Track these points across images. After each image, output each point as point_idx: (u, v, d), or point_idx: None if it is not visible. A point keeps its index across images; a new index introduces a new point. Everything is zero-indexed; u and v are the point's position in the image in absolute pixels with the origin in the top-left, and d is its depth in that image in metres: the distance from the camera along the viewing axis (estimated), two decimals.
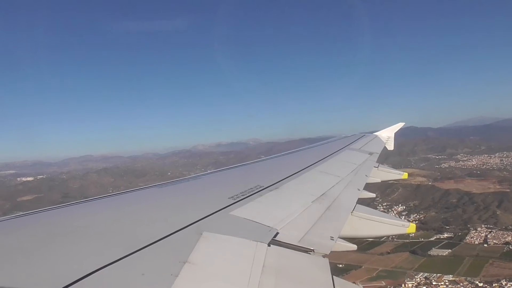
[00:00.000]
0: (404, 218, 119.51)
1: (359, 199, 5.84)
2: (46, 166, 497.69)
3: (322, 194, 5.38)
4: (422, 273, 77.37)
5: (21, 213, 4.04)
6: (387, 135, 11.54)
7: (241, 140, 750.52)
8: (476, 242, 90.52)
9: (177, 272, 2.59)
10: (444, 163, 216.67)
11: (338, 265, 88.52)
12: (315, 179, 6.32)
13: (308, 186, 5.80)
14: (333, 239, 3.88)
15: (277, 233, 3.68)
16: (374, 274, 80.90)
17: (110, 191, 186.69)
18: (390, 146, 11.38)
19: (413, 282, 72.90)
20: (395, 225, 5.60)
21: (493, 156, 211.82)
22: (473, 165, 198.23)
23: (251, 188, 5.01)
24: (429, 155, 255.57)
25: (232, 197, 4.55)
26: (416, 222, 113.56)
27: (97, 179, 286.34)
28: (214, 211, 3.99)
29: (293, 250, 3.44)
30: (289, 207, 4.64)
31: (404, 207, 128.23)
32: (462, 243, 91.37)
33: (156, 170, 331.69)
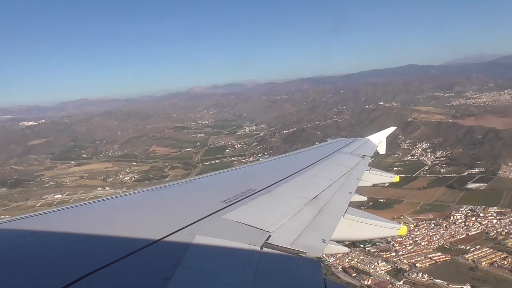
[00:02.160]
0: (430, 154, 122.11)
1: (350, 202, 5.93)
2: (43, 111, 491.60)
3: (314, 197, 5.39)
4: (465, 206, 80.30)
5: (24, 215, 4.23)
6: (379, 139, 11.66)
7: (237, 82, 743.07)
8: (510, 176, 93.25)
9: (170, 276, 2.60)
10: (454, 100, 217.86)
11: (379, 200, 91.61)
12: (307, 182, 6.37)
13: (300, 189, 5.83)
14: (325, 242, 3.91)
15: (270, 236, 3.71)
16: (418, 208, 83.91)
17: (119, 134, 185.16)
18: (382, 150, 11.50)
19: (460, 214, 75.78)
20: (387, 227, 5.63)
21: (502, 93, 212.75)
22: (484, 102, 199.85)
23: (244, 192, 5.02)
24: (437, 93, 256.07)
25: (224, 200, 4.58)
26: (444, 158, 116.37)
27: (101, 122, 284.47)
28: (207, 215, 4.01)
29: (286, 253, 3.49)
30: (282, 210, 4.67)
31: (428, 144, 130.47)
32: (496, 177, 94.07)
33: (159, 112, 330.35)
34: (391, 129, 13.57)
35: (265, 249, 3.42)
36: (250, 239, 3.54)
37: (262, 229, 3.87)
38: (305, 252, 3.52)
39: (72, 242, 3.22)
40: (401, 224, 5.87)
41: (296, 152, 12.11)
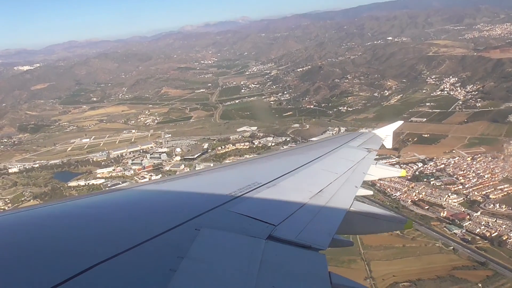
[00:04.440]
0: (460, 89, 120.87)
1: (356, 196, 5.91)
2: (32, 54, 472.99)
3: (320, 191, 5.39)
4: None
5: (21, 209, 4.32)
6: (386, 133, 11.32)
7: (229, 19, 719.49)
8: None
9: (176, 267, 2.66)
10: (467, 34, 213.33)
11: (423, 135, 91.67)
12: (313, 176, 6.38)
13: (305, 183, 5.85)
14: (330, 235, 3.94)
15: (275, 229, 3.73)
16: (466, 142, 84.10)
17: (123, 76, 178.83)
18: (388, 144, 11.07)
19: None
20: (392, 221, 5.65)
21: None
22: (499, 34, 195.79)
23: (249, 185, 5.02)
24: (446, 26, 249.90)
25: (230, 193, 4.59)
26: (476, 92, 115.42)
27: (100, 64, 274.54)
28: (212, 207, 4.04)
29: (291, 246, 3.52)
30: (287, 203, 4.70)
31: (455, 78, 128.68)
32: None
33: (158, 53, 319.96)
34: (398, 123, 13.08)
35: (270, 242, 3.43)
36: (255, 232, 3.57)
37: (267, 222, 3.86)
38: (310, 245, 3.52)
39: (81, 234, 3.23)
40: (407, 218, 5.93)
41: (302, 145, 12.28)
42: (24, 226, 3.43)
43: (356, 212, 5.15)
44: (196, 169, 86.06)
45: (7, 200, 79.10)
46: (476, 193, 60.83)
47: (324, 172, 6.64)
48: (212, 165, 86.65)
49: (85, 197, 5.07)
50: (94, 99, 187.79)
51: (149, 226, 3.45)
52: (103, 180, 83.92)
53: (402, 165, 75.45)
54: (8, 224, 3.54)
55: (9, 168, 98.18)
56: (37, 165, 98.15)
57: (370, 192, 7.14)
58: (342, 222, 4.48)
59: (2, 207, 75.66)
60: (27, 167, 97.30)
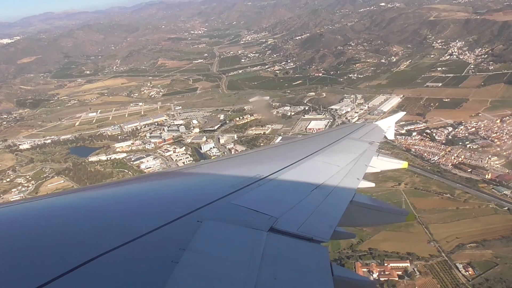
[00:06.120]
0: (469, 53, 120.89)
1: (358, 188, 5.91)
2: (7, 27, 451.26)
3: (322, 183, 5.42)
4: None
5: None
6: (388, 124, 11.34)
7: None
8: None
9: (178, 259, 2.68)
10: None
11: (443, 100, 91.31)
12: (314, 168, 6.36)
13: (307, 175, 5.85)
14: (332, 228, 3.97)
15: (277, 221, 3.75)
16: (489, 105, 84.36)
17: (113, 48, 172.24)
18: (391, 136, 11.20)
19: None
20: (394, 213, 5.71)
21: None
22: None
23: (251, 177, 5.03)
24: None
25: (232, 185, 4.59)
26: (485, 56, 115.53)
27: (86, 36, 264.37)
28: (214, 200, 4.06)
29: (292, 238, 3.55)
30: (288, 196, 4.72)
31: (462, 42, 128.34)
32: None
33: (145, 24, 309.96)
34: (400, 114, 13.27)
35: (271, 234, 3.47)
36: (257, 224, 3.59)
37: (269, 214, 3.87)
38: (311, 237, 3.55)
39: (84, 225, 3.24)
40: (409, 211, 6.05)
41: (304, 137, 12.75)
42: (25, 219, 3.39)
43: (358, 204, 5.09)
44: (220, 141, 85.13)
45: (28, 177, 76.20)
46: None
47: (326, 164, 6.56)
48: (235, 136, 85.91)
49: (86, 189, 5.19)
50: (87, 72, 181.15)
51: (151, 218, 3.42)
52: (125, 154, 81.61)
53: (432, 129, 75.70)
54: (16, 216, 3.49)
55: (19, 144, 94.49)
56: (48, 141, 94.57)
57: (372, 185, 6.81)
58: (344, 214, 4.43)
59: (25, 185, 73.24)
60: (39, 143, 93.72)
